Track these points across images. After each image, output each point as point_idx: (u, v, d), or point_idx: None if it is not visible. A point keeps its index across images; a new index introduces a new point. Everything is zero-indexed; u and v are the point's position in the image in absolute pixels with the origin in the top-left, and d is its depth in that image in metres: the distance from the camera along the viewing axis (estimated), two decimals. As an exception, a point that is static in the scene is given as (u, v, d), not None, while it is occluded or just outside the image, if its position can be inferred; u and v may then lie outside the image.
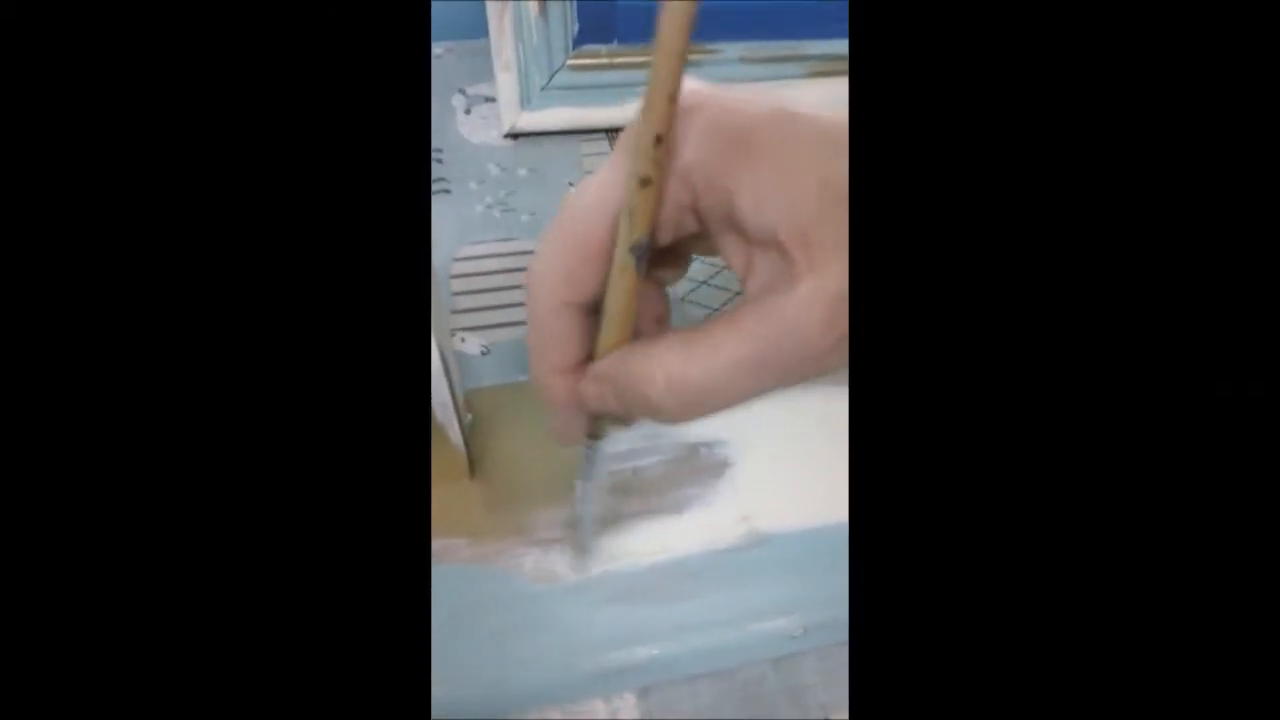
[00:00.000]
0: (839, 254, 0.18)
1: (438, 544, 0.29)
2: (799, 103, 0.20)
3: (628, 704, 0.27)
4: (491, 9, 0.47)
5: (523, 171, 0.50)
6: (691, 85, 0.20)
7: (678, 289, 0.42)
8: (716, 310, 0.42)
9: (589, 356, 0.24)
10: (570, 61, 0.50)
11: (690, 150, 0.20)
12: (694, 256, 0.26)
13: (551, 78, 0.50)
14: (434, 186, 0.48)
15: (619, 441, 0.33)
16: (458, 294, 0.41)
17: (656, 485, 0.32)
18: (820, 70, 0.54)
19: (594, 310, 0.24)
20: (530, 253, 0.43)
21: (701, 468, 0.32)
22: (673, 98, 0.19)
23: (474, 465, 0.31)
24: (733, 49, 0.52)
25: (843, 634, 0.29)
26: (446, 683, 0.25)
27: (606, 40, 0.49)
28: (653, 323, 0.25)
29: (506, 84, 0.50)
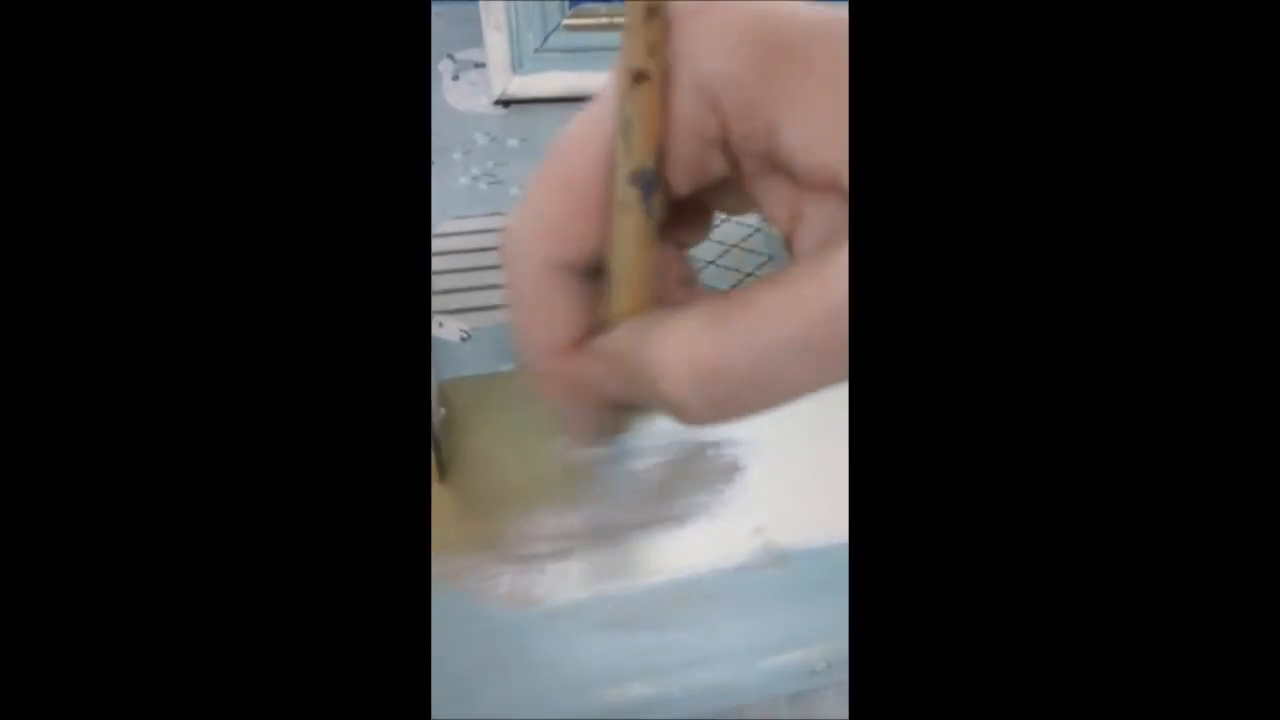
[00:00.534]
0: None
1: (397, 560, 0.25)
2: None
3: (620, 752, 0.24)
4: (480, -40, 0.43)
5: (513, 142, 0.46)
6: None
7: None
8: (709, 263, 0.38)
9: (590, 331, 0.20)
10: (567, 21, 0.47)
11: (714, 59, 0.16)
12: (719, 217, 0.21)
13: (546, 39, 0.47)
14: (414, 156, 0.44)
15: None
16: (437, 273, 0.37)
17: (654, 492, 0.29)
18: None
19: (592, 274, 0.19)
20: None
21: (708, 471, 0.29)
22: None
23: (444, 467, 0.28)
24: None
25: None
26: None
27: (607, -2, 0.48)
28: (675, 287, 0.20)
29: (497, 45, 0.46)
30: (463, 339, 0.35)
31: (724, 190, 0.19)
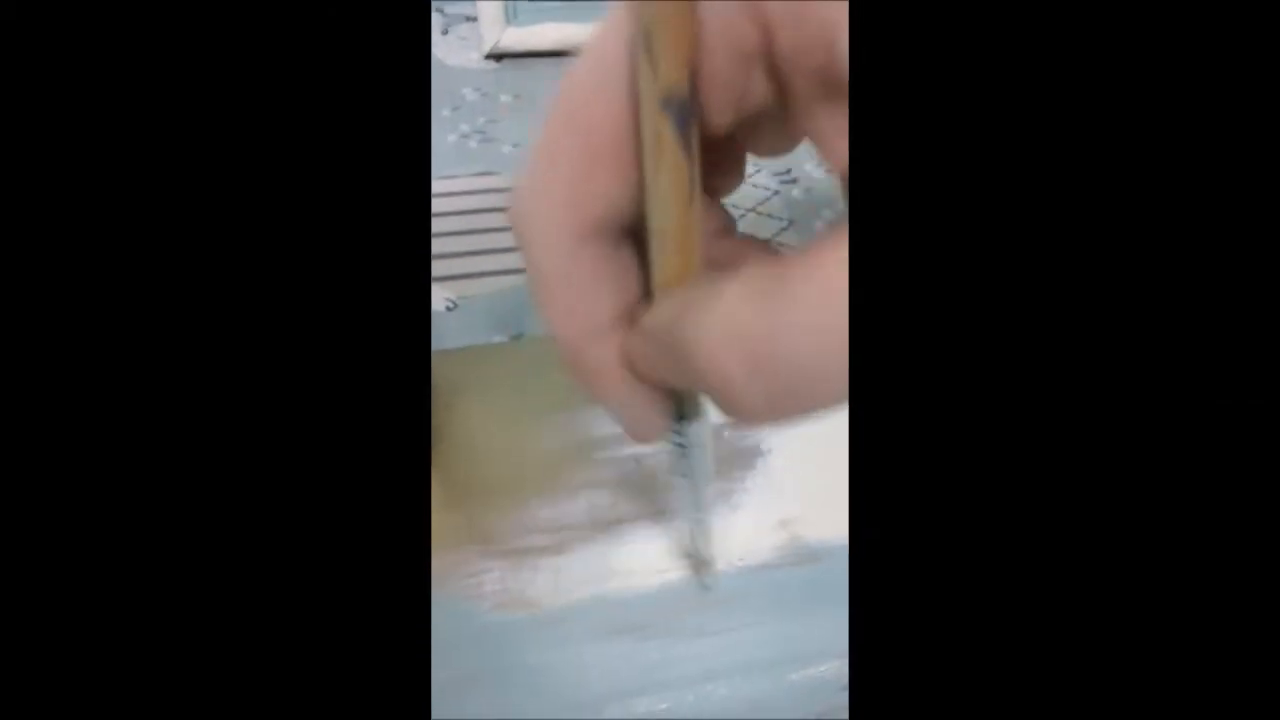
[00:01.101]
0: None
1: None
2: None
3: (626, 778, 0.22)
4: (470, -103, 0.40)
5: (506, 98, 0.43)
6: None
7: None
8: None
9: (635, 306, 0.17)
10: (565, -31, 0.44)
11: None
12: (752, 164, 0.19)
13: (542, -12, 0.44)
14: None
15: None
16: None
17: (665, 479, 0.26)
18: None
19: (628, 236, 0.16)
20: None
21: (726, 457, 0.27)
22: None
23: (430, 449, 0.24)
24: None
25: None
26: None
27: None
28: (713, 240, 0.17)
29: (488, -6, 0.42)
30: (448, 308, 0.33)
31: (764, 124, 0.16)
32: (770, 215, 0.36)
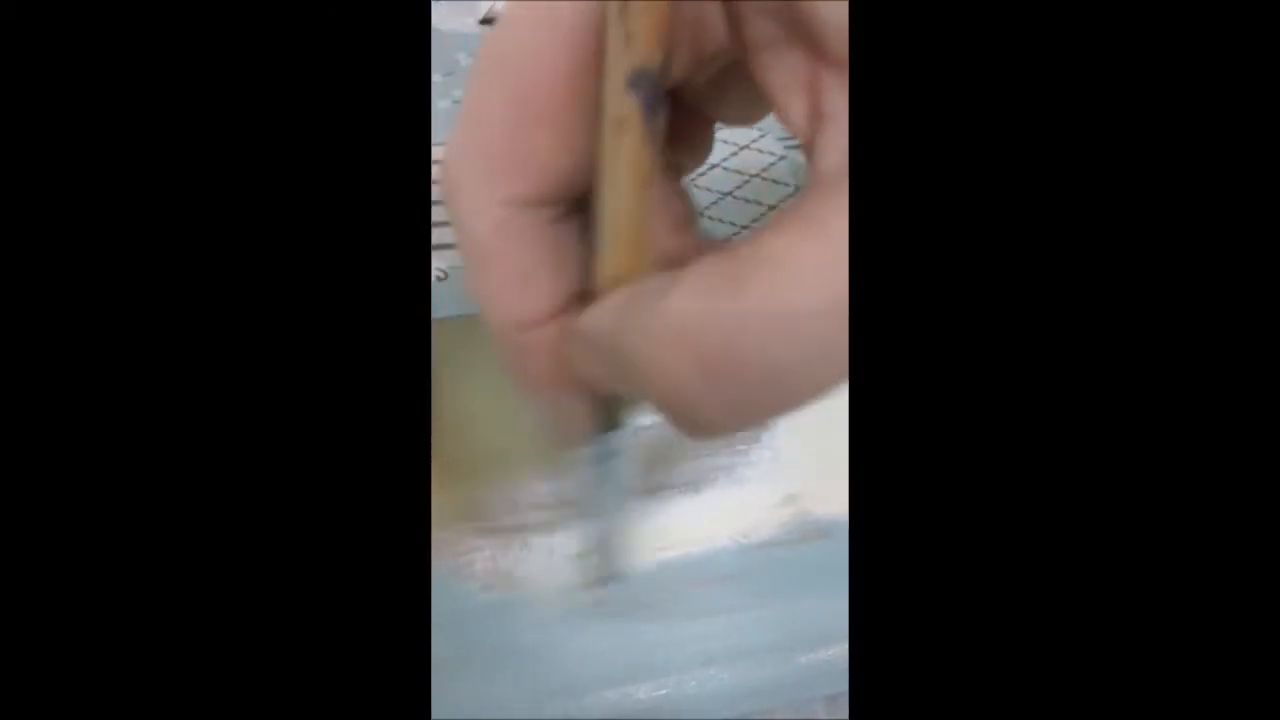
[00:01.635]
0: None
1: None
2: None
3: (624, 767, 0.21)
4: None
5: None
6: None
7: (699, 199, 0.34)
8: (726, 194, 0.34)
9: (573, 296, 0.15)
10: (562, -71, 0.42)
11: None
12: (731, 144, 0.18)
13: (539, -52, 0.42)
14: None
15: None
16: None
17: (665, 453, 0.25)
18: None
19: (571, 214, 0.15)
20: None
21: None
22: None
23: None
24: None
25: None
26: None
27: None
28: (668, 234, 0.16)
29: (483, -45, 0.41)
30: (439, 278, 0.32)
31: (729, 82, 0.15)
32: (776, 181, 0.35)
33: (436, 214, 0.33)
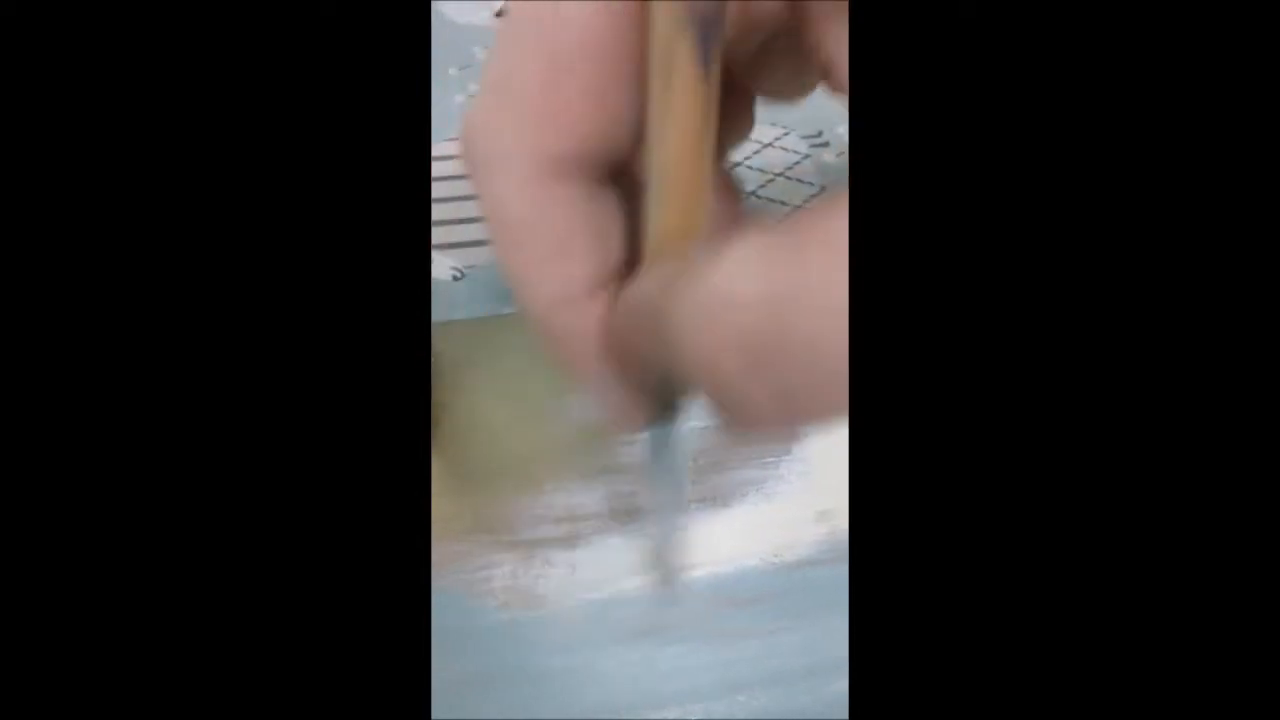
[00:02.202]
0: None
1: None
2: None
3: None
4: None
5: None
6: None
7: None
8: (750, 194, 0.33)
9: (619, 263, 0.14)
10: (582, -80, 0.41)
11: None
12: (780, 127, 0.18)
13: (558, -60, 0.41)
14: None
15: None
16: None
17: (691, 465, 0.24)
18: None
19: (613, 181, 0.14)
20: None
21: (758, 440, 0.25)
22: None
23: (431, 429, 0.25)
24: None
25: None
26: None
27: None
28: (720, 197, 0.15)
29: (501, -54, 0.40)
30: (455, 277, 0.31)
31: (774, 57, 0.14)
32: (800, 180, 0.34)
33: (450, 210, 0.33)
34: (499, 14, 0.43)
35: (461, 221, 0.33)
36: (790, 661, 0.20)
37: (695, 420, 0.18)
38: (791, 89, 0.16)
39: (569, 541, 0.22)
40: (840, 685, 0.20)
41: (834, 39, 0.13)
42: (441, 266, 0.31)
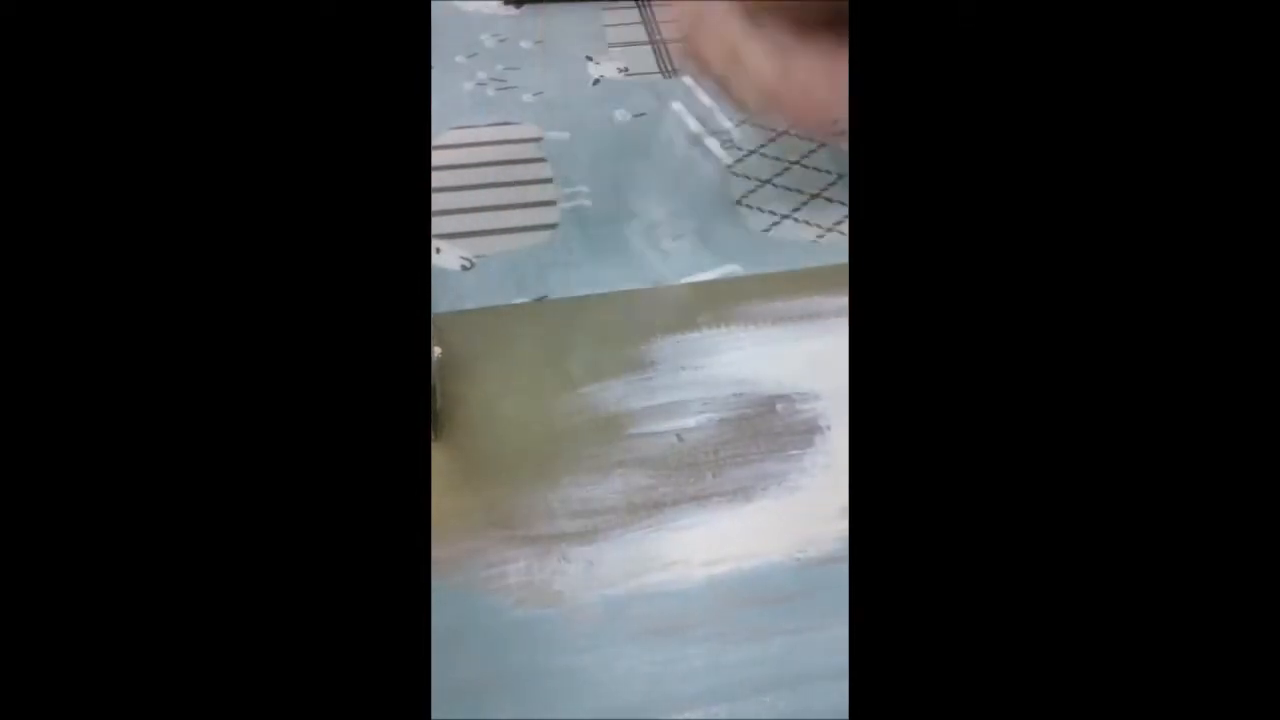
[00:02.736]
0: None
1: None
2: None
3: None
4: None
5: (526, 44, 0.40)
6: None
7: (735, 188, 0.34)
8: (765, 182, 0.33)
9: None
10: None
11: None
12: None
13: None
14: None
15: (655, 390, 0.24)
16: (436, 191, 0.33)
17: (712, 457, 0.23)
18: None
19: None
20: (535, 140, 0.34)
21: (780, 433, 0.24)
22: None
23: (439, 421, 0.24)
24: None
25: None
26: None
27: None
28: None
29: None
30: (464, 268, 0.31)
31: None
32: (816, 169, 0.33)
33: (463, 201, 0.32)
34: (508, 1, 0.43)
35: (470, 210, 0.32)
36: (818, 662, 0.19)
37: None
38: None
39: (586, 537, 0.21)
40: (869, 685, 0.20)
41: None
42: (452, 257, 0.30)
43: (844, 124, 0.22)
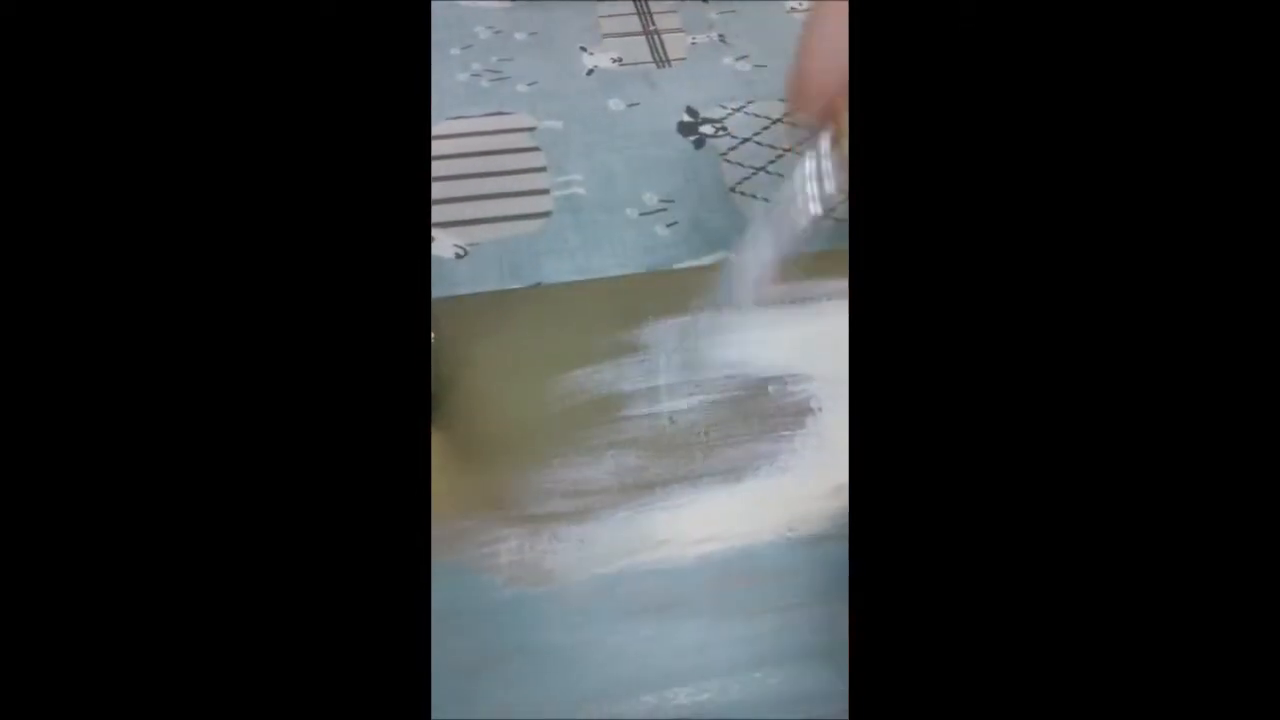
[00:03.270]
0: None
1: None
2: None
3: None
4: None
5: (521, 36, 0.40)
6: None
7: (728, 175, 0.34)
8: (759, 170, 0.33)
9: None
10: (585, -102, 0.42)
11: None
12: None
13: (561, -80, 0.42)
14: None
15: (647, 374, 0.25)
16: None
17: (703, 439, 0.24)
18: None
19: None
20: (529, 129, 0.34)
21: (771, 414, 0.24)
22: None
23: (435, 405, 0.24)
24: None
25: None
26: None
27: None
28: None
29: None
30: (458, 255, 0.31)
31: None
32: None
33: (456, 190, 0.32)
34: (501, -6, 0.43)
35: (463, 199, 0.32)
36: (808, 639, 0.20)
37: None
38: None
39: (577, 516, 0.22)
40: (858, 662, 0.20)
41: None
42: (445, 245, 0.31)
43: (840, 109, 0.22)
